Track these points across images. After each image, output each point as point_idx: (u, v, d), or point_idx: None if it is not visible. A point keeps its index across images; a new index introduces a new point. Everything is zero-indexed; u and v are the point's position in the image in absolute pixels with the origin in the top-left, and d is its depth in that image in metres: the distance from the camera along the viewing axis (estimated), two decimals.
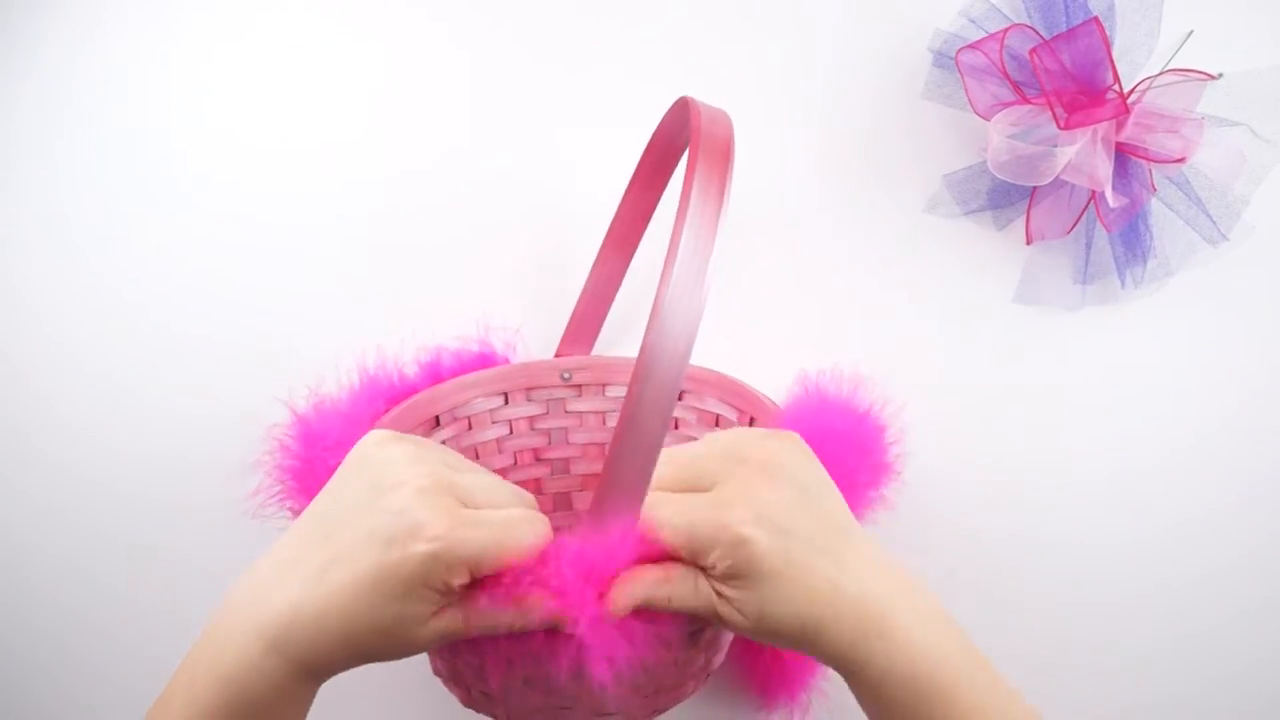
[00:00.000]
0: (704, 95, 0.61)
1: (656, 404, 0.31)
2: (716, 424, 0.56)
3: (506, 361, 0.59)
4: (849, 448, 0.44)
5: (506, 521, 0.34)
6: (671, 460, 0.37)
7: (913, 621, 0.35)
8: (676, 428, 0.58)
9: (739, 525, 0.33)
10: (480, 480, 0.37)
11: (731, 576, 0.34)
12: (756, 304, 0.62)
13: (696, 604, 0.34)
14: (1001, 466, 0.63)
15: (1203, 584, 0.64)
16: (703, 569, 0.34)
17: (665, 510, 0.34)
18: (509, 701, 0.40)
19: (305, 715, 0.37)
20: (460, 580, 0.33)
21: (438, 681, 0.45)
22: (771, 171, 0.62)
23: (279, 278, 0.62)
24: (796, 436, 0.39)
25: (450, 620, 0.34)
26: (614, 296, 0.58)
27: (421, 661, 0.43)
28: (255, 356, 0.62)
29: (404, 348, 0.57)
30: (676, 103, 0.45)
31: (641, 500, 0.33)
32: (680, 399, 0.57)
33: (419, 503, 0.33)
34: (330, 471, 0.39)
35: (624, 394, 0.55)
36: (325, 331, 0.62)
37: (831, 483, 0.38)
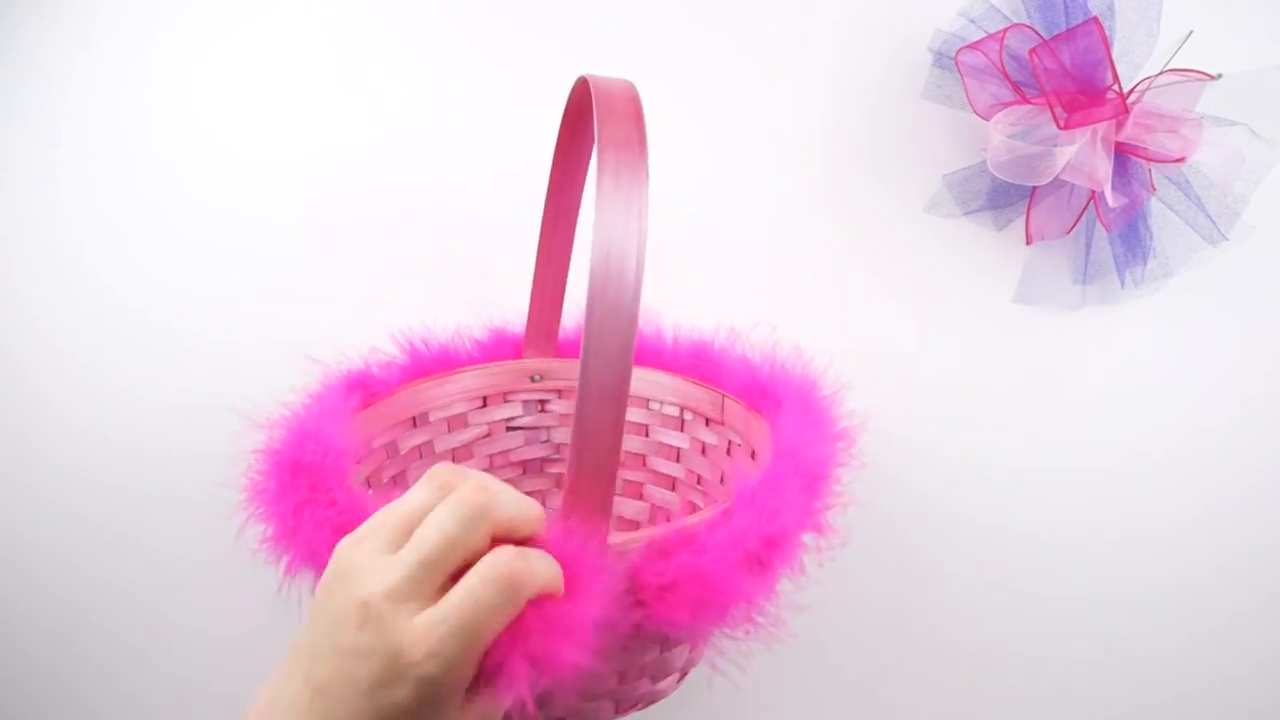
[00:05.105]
0: (705, 95, 0.62)
1: (605, 387, 0.31)
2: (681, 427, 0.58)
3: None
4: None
5: (480, 597, 0.31)
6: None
7: None
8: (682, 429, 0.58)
9: None
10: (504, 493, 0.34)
11: None
12: (756, 303, 0.62)
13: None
14: (1002, 466, 0.63)
15: (1201, 581, 0.64)
16: None
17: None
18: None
19: None
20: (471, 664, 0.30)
21: None
22: (772, 171, 0.62)
23: (277, 279, 0.62)
24: None
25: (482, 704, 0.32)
26: (564, 290, 0.57)
27: None
28: (254, 356, 0.62)
29: (394, 345, 0.57)
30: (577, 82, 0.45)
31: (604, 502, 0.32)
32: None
33: (385, 629, 0.30)
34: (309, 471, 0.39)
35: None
36: (323, 332, 0.62)
37: None
